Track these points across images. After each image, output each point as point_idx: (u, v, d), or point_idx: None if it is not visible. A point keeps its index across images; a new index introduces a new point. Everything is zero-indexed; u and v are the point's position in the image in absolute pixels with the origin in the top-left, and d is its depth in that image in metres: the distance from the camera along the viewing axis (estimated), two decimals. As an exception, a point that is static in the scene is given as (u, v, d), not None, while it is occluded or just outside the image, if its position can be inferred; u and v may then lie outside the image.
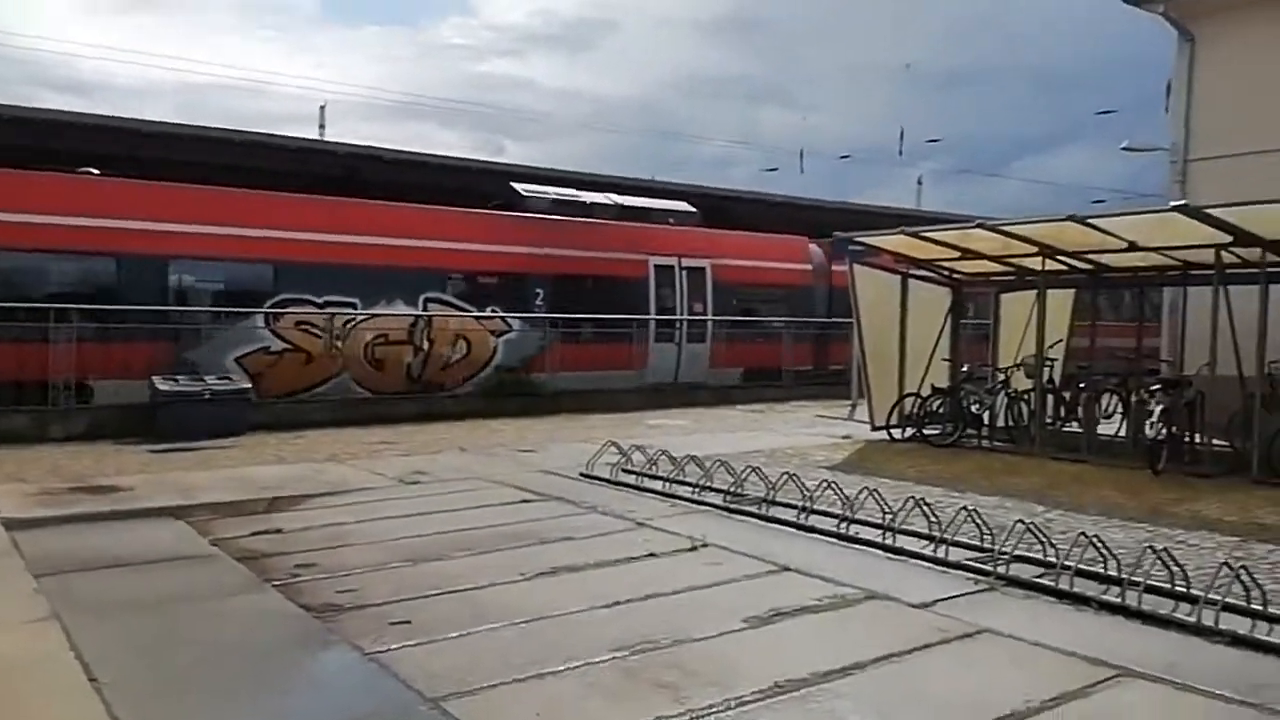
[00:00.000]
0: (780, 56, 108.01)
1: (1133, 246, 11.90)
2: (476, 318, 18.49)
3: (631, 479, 10.10)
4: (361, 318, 17.18)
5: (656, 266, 20.72)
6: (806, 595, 6.18)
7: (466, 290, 18.52)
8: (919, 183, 47.51)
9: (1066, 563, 6.20)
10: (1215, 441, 11.34)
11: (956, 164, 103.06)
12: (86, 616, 5.70)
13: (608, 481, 10.17)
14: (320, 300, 16.84)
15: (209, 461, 11.77)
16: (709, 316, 21.39)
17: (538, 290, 19.03)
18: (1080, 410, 13.66)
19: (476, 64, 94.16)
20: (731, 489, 9.08)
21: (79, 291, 15.04)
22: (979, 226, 12.63)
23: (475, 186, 23.09)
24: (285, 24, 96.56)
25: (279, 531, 8.03)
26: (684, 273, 21.10)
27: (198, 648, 5.30)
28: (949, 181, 76.17)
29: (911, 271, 14.71)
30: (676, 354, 20.88)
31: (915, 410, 13.60)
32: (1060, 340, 14.64)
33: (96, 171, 16.34)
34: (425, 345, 17.77)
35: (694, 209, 23.06)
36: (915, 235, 13.46)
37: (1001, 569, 6.48)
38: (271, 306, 16.50)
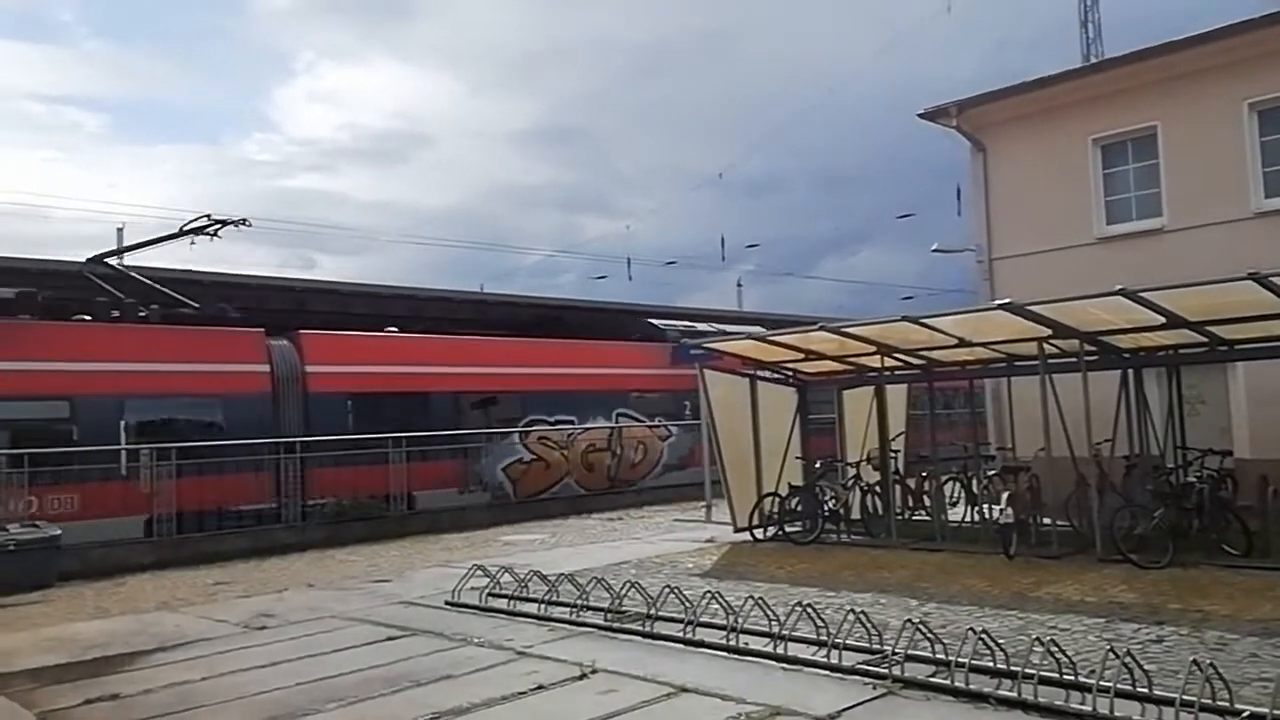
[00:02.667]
0: (595, 165, 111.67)
1: (961, 342, 12.63)
2: (650, 427, 23.07)
3: (503, 604, 9.65)
4: (578, 431, 21.67)
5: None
6: (711, 718, 5.96)
7: (642, 406, 23.06)
8: (739, 285, 49.38)
9: (960, 659, 6.26)
10: (1055, 521, 11.94)
11: (770, 265, 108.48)
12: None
13: (477, 609, 9.66)
14: (552, 420, 21.34)
15: (19, 620, 10.50)
16: None
17: (685, 403, 22.52)
18: (927, 499, 14.21)
19: (283, 179, 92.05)
20: (611, 607, 8.79)
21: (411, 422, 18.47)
22: (821, 329, 13.12)
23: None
24: (69, 144, 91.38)
25: (115, 697, 7.16)
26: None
27: None
28: (765, 282, 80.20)
29: (758, 373, 15.07)
30: None
31: (775, 509, 13.76)
32: (901, 433, 15.29)
33: (396, 329, 20.61)
34: (619, 450, 22.27)
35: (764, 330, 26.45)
36: (762, 339, 13.86)
37: (896, 670, 6.48)
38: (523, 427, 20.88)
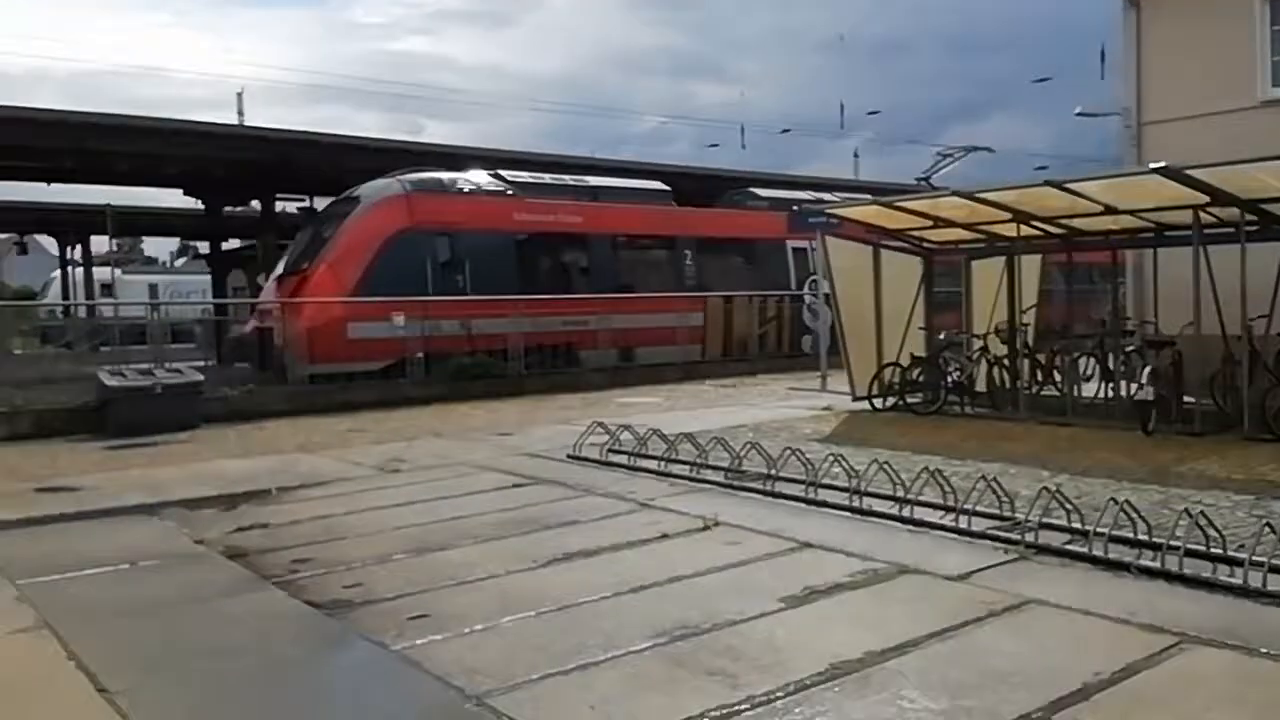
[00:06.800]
0: (708, 28, 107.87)
1: (1108, 209, 11.89)
2: None
3: (623, 459, 9.81)
4: None
5: None
6: (837, 572, 5.97)
7: None
8: (855, 155, 47.73)
9: (1099, 528, 6.07)
10: (1198, 400, 11.36)
11: (891, 133, 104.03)
12: (79, 624, 5.27)
13: (598, 463, 9.86)
14: None
15: (169, 457, 11.23)
16: None
17: None
18: (1058, 374, 13.72)
19: (390, 42, 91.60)
20: (731, 466, 8.83)
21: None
22: (953, 194, 12.54)
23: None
24: (183, 7, 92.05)
25: (265, 526, 7.61)
26: None
27: (210, 652, 4.91)
28: (883, 151, 77.66)
29: (882, 241, 14.58)
30: None
31: (895, 379, 13.51)
32: (1033, 305, 14.68)
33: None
34: None
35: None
36: (888, 205, 13.34)
37: (1030, 537, 6.34)
38: None
